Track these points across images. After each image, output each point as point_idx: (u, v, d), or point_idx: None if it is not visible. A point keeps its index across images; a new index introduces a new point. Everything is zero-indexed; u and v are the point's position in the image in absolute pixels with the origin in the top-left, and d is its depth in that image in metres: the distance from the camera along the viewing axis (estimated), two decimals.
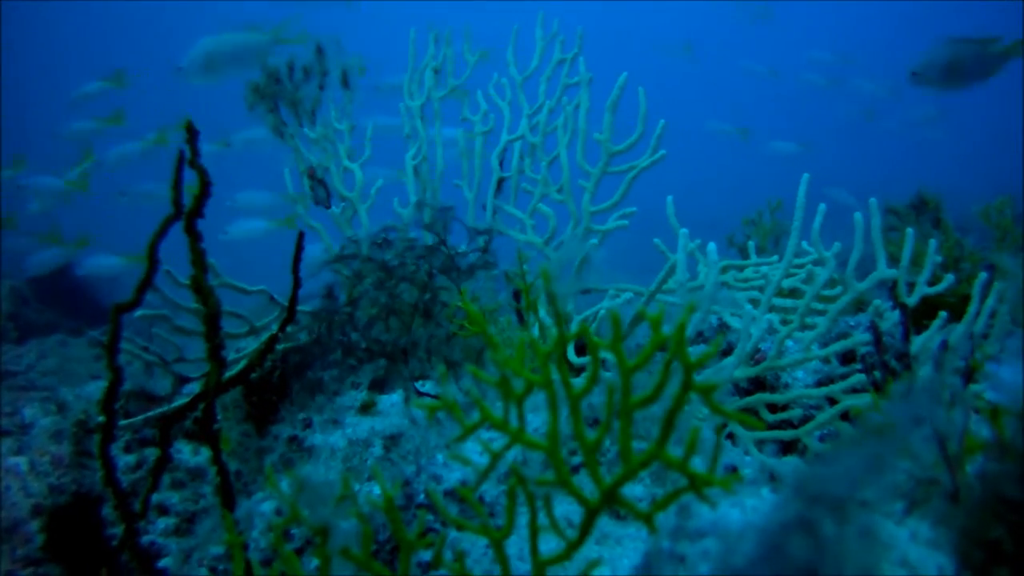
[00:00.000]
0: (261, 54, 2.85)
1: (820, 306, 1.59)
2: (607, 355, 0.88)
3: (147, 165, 4.41)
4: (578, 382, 0.70)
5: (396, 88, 3.99)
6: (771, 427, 1.42)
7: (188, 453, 1.71)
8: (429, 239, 1.77)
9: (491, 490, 1.24)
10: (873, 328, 1.21)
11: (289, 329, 1.57)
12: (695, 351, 1.42)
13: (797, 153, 7.35)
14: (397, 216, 1.98)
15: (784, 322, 1.51)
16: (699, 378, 0.62)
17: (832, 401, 1.40)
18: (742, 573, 0.58)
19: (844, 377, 1.45)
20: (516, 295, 1.71)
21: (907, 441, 0.61)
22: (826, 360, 1.58)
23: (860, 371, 1.39)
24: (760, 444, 1.38)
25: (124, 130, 4.53)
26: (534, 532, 0.75)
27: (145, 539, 1.51)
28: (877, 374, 1.22)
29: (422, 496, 1.24)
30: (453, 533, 1.16)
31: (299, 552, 1.23)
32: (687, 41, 8.68)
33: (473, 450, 1.33)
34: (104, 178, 4.55)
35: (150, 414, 1.70)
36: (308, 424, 1.52)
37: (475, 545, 1.13)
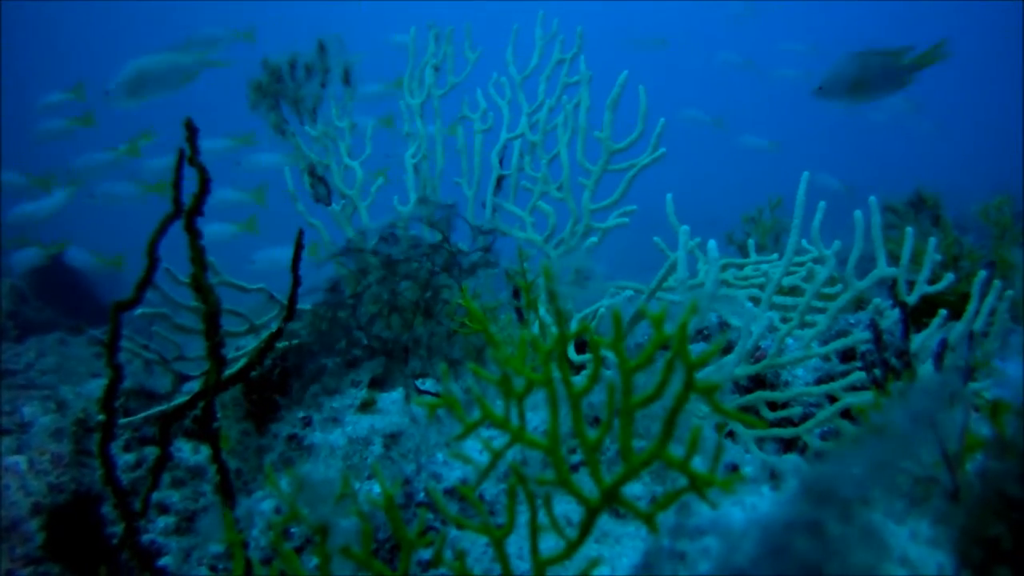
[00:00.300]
0: (187, 75, 2.97)
1: (820, 304, 1.59)
2: (607, 353, 0.88)
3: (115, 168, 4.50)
4: (578, 380, 0.70)
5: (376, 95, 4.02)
6: (771, 425, 1.42)
7: (188, 451, 1.71)
8: (431, 236, 1.77)
9: (491, 488, 1.24)
10: (873, 326, 1.21)
11: (289, 327, 1.57)
12: (696, 349, 1.42)
13: (767, 148, 7.36)
14: (398, 214, 1.98)
15: (784, 320, 1.51)
16: (700, 376, 0.62)
17: (832, 399, 1.40)
18: (746, 572, 0.58)
19: (844, 375, 1.45)
20: (516, 293, 1.71)
21: (914, 443, 0.61)
22: (826, 358, 1.58)
23: (860, 369, 1.39)
24: (760, 442, 1.39)
25: (107, 127, 4.61)
26: (534, 531, 0.75)
27: (145, 538, 1.51)
28: (877, 372, 1.22)
29: (422, 495, 1.24)
30: (452, 532, 1.16)
31: (299, 551, 1.23)
32: (663, 37, 8.76)
33: (473, 448, 1.33)
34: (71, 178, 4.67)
35: (150, 412, 1.70)
36: (308, 422, 1.52)
37: (474, 544, 1.13)
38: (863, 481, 0.56)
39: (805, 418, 1.40)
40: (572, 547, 0.73)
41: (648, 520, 0.68)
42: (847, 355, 1.59)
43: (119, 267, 4.78)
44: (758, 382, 1.56)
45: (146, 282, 1.22)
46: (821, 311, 1.52)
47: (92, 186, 4.66)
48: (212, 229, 4.20)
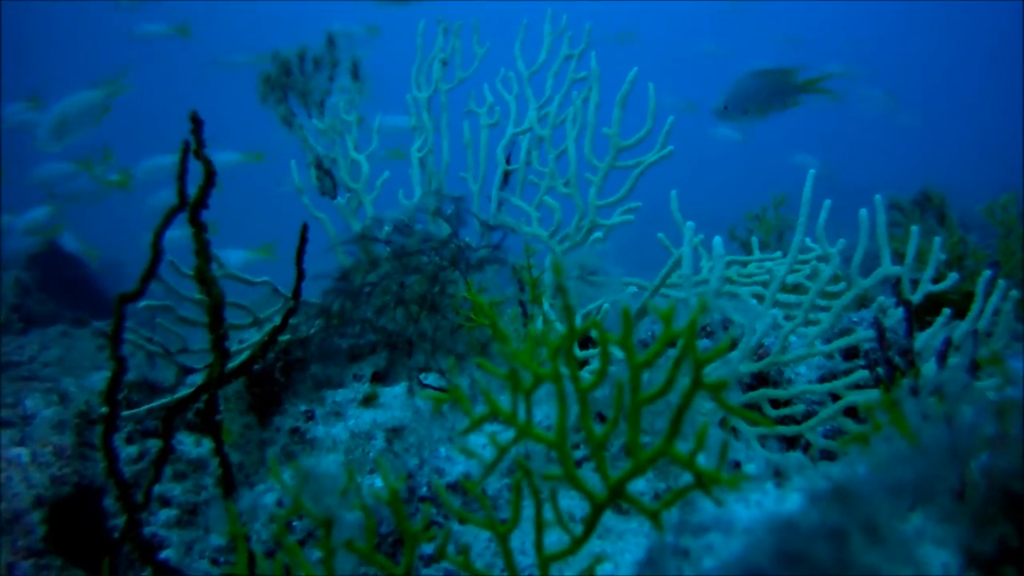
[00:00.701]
0: (103, 109, 3.40)
1: (824, 302, 1.59)
2: (612, 349, 0.88)
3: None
4: (583, 376, 0.70)
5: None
6: (774, 422, 1.42)
7: (190, 444, 1.71)
8: (437, 230, 1.77)
9: (493, 483, 1.24)
10: (877, 324, 1.21)
11: (293, 321, 1.56)
12: (699, 346, 1.41)
13: (739, 140, 7.37)
14: (405, 207, 1.98)
15: (788, 318, 1.50)
16: (705, 372, 0.62)
17: (835, 397, 1.40)
18: (759, 572, 0.58)
19: (847, 373, 1.45)
20: (521, 288, 1.71)
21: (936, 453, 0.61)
22: (829, 356, 1.58)
23: (863, 367, 1.39)
24: (763, 439, 1.38)
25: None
26: (539, 527, 0.75)
27: (147, 530, 1.51)
28: (880, 370, 1.22)
29: (424, 489, 1.24)
30: (455, 526, 1.15)
31: (300, 544, 1.23)
32: (631, 31, 8.81)
33: (476, 443, 1.33)
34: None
35: (153, 405, 1.70)
36: (310, 416, 1.52)
37: (477, 538, 1.13)
38: (904, 493, 0.56)
39: (808, 416, 1.40)
40: (578, 543, 0.73)
41: (654, 517, 0.68)
42: (850, 353, 1.59)
43: (95, 260, 4.91)
44: (761, 379, 1.56)
45: (150, 274, 1.22)
46: (825, 309, 1.52)
47: (54, 187, 4.74)
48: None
